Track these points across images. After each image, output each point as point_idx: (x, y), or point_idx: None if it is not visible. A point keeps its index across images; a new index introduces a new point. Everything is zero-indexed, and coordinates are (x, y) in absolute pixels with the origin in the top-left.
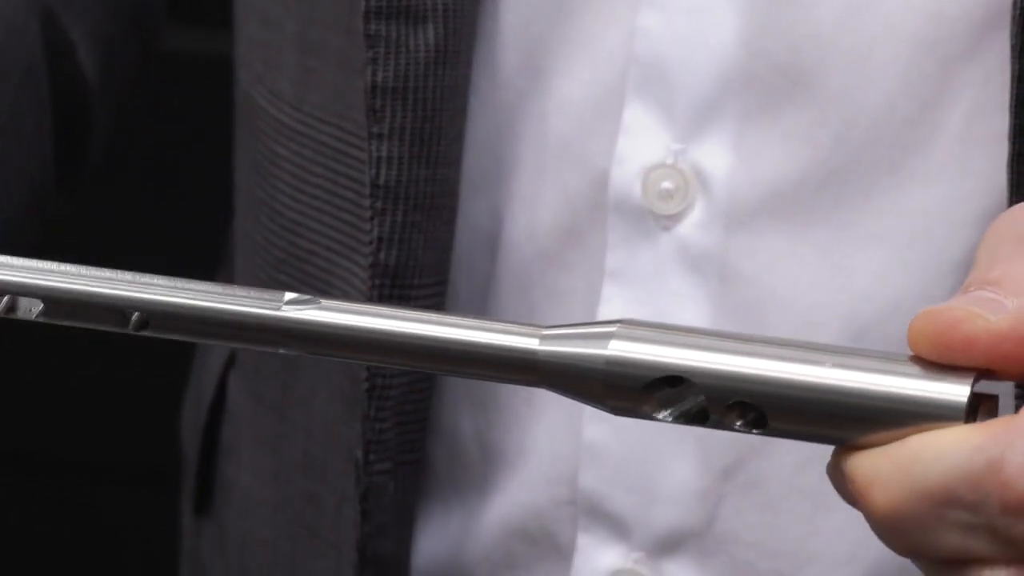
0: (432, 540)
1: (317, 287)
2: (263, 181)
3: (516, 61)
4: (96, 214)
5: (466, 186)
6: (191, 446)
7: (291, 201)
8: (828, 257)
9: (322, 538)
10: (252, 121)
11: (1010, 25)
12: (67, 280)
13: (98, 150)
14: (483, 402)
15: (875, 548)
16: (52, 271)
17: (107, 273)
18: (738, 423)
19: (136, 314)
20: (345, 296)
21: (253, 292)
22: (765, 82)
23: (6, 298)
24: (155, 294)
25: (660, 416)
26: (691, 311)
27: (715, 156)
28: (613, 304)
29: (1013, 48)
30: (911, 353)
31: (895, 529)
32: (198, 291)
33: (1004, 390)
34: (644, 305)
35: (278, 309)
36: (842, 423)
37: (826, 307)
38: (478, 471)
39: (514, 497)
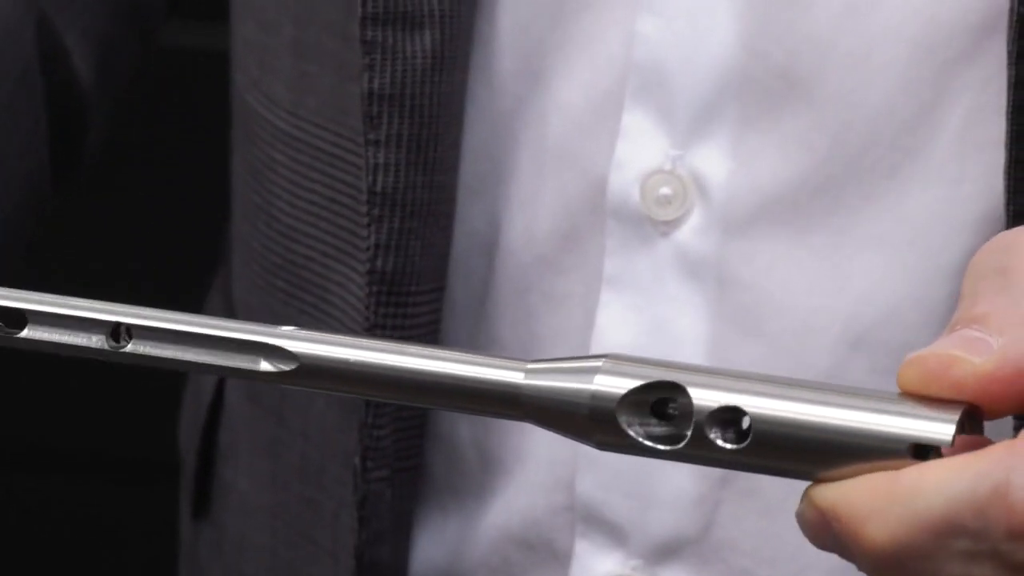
0: (430, 547)
1: (314, 293)
2: (259, 186)
3: (513, 66)
4: (95, 211)
5: (463, 192)
6: (189, 449)
7: (288, 207)
8: (826, 261)
9: (319, 544)
10: (248, 126)
11: (1007, 31)
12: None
13: (95, 150)
14: None
15: None
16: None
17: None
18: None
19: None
20: (343, 302)
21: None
22: (763, 86)
23: None
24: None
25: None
26: (689, 317)
27: (713, 161)
28: (611, 309)
29: (1009, 55)
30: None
31: (895, 563)
32: (182, 324)
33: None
34: (642, 311)
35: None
36: (826, 455)
37: (824, 311)
38: (476, 478)
39: (512, 504)
